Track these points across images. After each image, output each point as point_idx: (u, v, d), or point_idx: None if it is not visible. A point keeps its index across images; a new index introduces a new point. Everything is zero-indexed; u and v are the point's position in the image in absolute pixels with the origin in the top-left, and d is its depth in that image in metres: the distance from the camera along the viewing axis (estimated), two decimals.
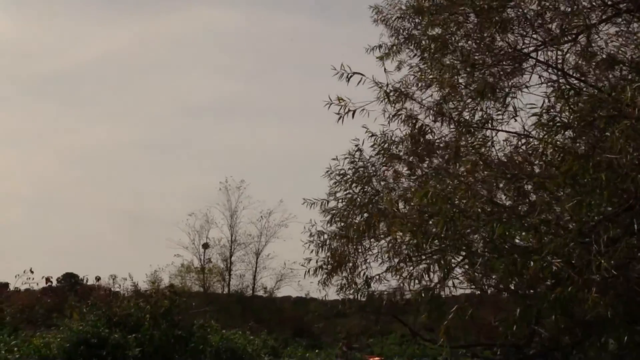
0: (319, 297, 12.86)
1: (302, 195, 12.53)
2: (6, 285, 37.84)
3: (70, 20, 70.58)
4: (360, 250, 11.76)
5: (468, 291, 10.80)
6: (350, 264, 11.84)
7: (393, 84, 11.07)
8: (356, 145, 11.42)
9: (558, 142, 8.25)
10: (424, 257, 9.17)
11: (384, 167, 12.29)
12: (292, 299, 49.08)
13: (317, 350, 33.02)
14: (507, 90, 9.32)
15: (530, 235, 8.11)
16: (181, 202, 70.15)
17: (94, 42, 69.08)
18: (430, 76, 10.57)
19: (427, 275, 8.86)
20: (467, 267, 8.72)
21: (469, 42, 10.68)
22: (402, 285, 10.23)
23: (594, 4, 10.10)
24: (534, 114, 8.14)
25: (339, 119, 9.61)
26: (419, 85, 11.05)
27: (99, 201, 65.45)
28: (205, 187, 74.78)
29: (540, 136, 8.27)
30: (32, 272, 22.86)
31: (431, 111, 9.83)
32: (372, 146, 11.85)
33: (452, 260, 8.64)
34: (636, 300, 8.06)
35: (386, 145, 11.82)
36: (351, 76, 9.59)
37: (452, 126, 9.79)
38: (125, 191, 66.86)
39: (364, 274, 11.50)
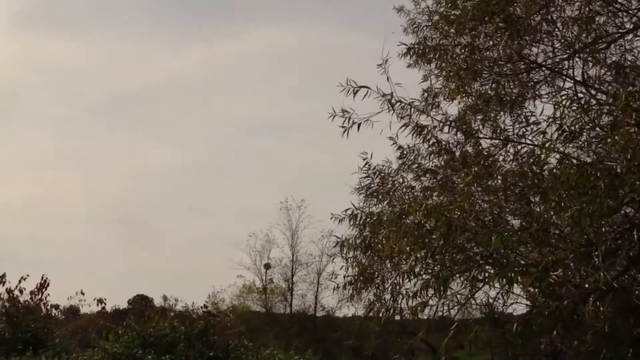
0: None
1: None
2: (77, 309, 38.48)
3: (136, 44, 72.92)
4: (390, 266, 11.58)
5: None
6: (379, 280, 11.66)
7: (421, 93, 10.86)
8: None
9: (561, 151, 7.93)
10: (427, 272, 8.93)
11: (414, 182, 12.09)
12: (362, 318, 48.60)
13: None
14: (512, 99, 9.00)
15: (529, 248, 7.80)
16: (242, 222, 70.41)
17: (160, 66, 70.97)
18: (445, 85, 10.33)
19: (425, 292, 8.61)
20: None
21: (494, 51, 10.40)
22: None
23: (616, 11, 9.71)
24: (533, 123, 7.85)
25: (344, 131, 9.47)
26: (439, 95, 10.78)
27: (166, 223, 66.68)
28: (266, 206, 74.85)
29: (544, 145, 7.94)
30: (82, 293, 23.13)
31: (439, 122, 9.57)
32: (399, 158, 11.65)
33: (451, 276, 8.36)
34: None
35: (414, 159, 11.58)
36: (357, 90, 9.43)
37: (459, 135, 9.51)
38: (190, 212, 67.87)
39: (392, 290, 11.30)
